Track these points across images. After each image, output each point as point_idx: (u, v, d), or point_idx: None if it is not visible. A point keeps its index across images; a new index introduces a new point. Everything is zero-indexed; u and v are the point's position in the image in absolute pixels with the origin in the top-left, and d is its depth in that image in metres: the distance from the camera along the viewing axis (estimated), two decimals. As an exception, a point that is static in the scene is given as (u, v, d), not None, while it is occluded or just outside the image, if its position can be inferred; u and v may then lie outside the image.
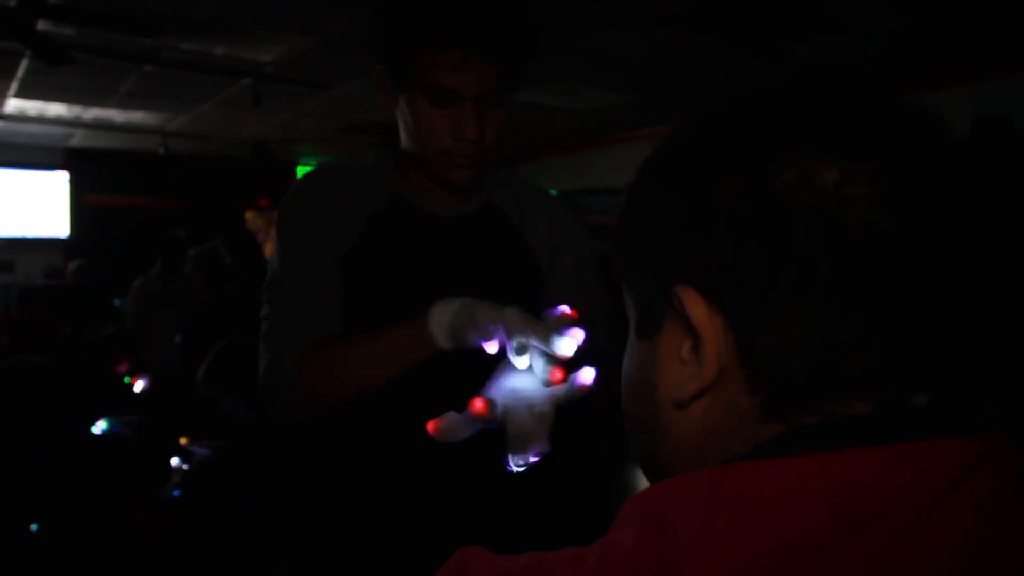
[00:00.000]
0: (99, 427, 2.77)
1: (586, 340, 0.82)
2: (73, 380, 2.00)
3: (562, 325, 0.80)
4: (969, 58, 3.89)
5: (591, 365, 0.82)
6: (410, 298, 1.06)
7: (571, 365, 0.81)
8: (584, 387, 0.81)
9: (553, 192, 1.25)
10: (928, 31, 3.42)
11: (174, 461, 2.21)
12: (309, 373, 1.01)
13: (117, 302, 5.42)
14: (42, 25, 3.27)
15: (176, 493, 2.14)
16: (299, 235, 1.07)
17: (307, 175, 1.13)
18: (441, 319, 0.91)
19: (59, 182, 6.98)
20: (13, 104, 5.13)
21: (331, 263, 1.06)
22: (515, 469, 0.82)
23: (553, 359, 0.81)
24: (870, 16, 3.20)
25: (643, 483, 0.46)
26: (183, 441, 2.23)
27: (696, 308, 0.41)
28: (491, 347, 0.86)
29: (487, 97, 0.98)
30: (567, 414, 0.84)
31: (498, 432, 0.84)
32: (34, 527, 1.70)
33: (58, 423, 1.88)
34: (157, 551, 2.12)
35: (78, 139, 6.62)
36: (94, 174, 7.11)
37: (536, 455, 0.80)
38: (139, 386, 3.22)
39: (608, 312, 1.17)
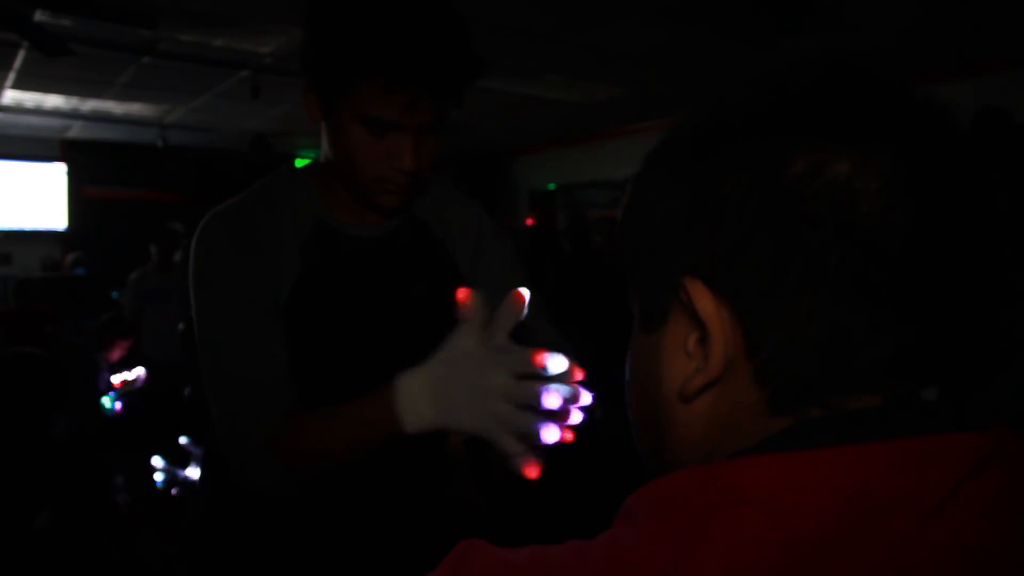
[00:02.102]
0: (105, 401, 2.79)
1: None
2: (67, 371, 2.00)
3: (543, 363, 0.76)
4: (970, 52, 3.88)
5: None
6: (344, 331, 1.04)
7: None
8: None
9: (551, 185, 1.23)
10: (930, 25, 3.42)
11: (157, 461, 2.20)
12: (284, 455, 0.93)
13: (115, 294, 5.42)
14: (40, 16, 3.25)
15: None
16: (225, 290, 0.98)
17: (217, 226, 1.01)
18: (413, 403, 0.82)
19: (57, 174, 6.97)
20: (10, 95, 5.11)
21: (265, 311, 0.99)
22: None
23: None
24: (871, 10, 3.19)
25: (646, 477, 0.46)
26: (182, 441, 2.22)
27: (703, 300, 0.40)
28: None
29: (427, 127, 0.95)
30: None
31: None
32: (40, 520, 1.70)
33: (52, 414, 1.88)
34: (155, 545, 2.12)
35: (76, 131, 6.60)
36: (92, 166, 7.10)
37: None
38: (133, 374, 3.22)
39: (543, 306, 1.13)
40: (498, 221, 1.21)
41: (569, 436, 0.76)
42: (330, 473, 0.94)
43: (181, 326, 3.42)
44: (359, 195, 1.02)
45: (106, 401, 2.88)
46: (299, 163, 1.15)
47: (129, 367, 3.40)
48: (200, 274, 0.99)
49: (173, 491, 2.19)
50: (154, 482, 2.20)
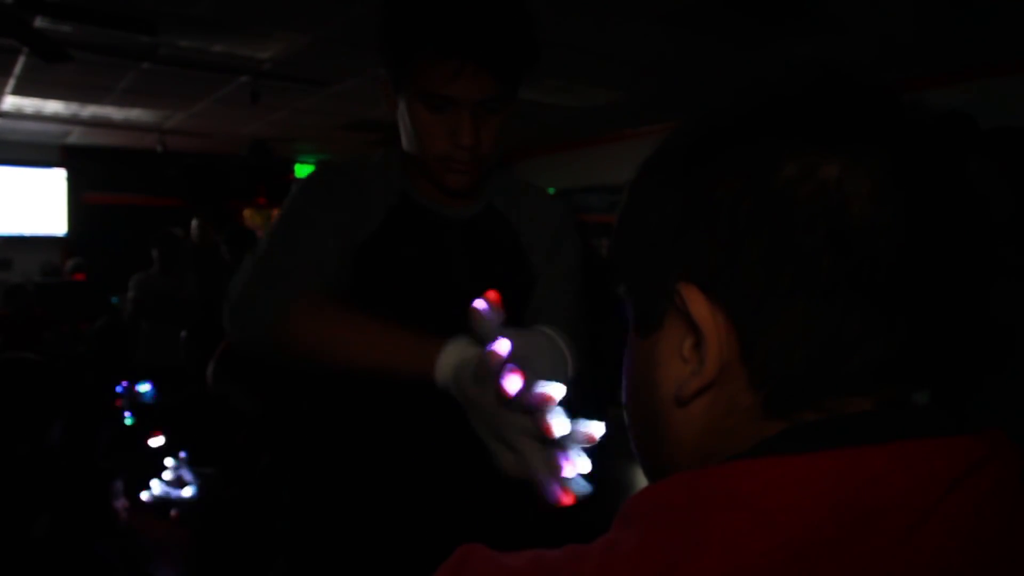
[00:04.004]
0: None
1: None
2: (63, 376, 2.00)
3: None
4: (960, 57, 3.89)
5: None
6: (412, 299, 1.08)
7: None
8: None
9: (551, 190, 1.24)
10: (919, 29, 3.42)
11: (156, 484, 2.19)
12: (291, 324, 0.96)
13: (115, 299, 5.42)
14: (40, 22, 3.25)
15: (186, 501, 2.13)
16: (304, 218, 1.05)
17: (323, 167, 1.12)
18: (448, 365, 0.83)
19: (56, 180, 6.97)
20: (10, 101, 5.12)
21: (333, 252, 1.04)
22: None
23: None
24: (868, 14, 3.20)
25: (643, 482, 0.46)
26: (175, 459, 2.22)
27: (697, 305, 0.41)
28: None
29: (485, 105, 0.98)
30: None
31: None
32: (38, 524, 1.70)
33: (49, 420, 1.88)
34: (154, 548, 2.11)
35: (75, 136, 6.61)
36: (92, 172, 7.11)
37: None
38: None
39: (583, 329, 1.13)
40: (579, 217, 1.23)
41: (568, 500, 0.74)
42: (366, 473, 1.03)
43: (184, 334, 3.40)
44: (429, 176, 1.06)
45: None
46: (298, 168, 1.18)
47: (130, 375, 3.39)
48: (292, 198, 1.08)
49: (174, 496, 2.19)
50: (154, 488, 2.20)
